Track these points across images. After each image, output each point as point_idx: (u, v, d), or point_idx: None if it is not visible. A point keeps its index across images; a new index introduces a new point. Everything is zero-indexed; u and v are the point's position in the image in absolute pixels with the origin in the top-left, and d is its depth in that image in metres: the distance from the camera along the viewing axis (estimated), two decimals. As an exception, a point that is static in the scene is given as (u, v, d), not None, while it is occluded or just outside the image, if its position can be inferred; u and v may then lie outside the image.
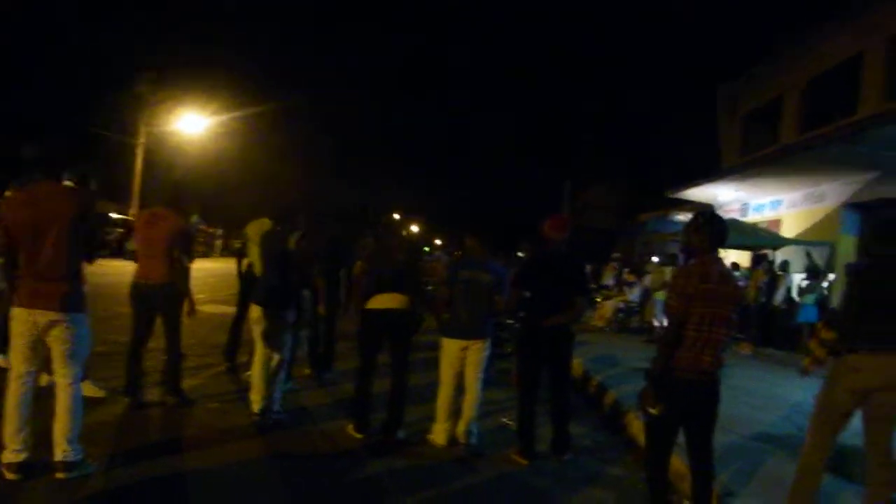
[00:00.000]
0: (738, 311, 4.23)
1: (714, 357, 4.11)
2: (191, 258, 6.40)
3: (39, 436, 4.44)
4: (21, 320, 4.35)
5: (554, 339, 5.85)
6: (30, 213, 4.34)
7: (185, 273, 6.24)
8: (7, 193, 5.40)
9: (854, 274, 4.54)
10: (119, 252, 23.76)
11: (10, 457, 4.29)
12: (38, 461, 4.39)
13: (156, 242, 6.13)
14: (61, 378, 4.44)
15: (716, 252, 4.30)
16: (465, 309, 5.91)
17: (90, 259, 4.70)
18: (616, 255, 19.76)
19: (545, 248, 6.12)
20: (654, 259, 19.38)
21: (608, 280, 17.70)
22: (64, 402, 4.42)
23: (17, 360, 4.41)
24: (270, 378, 6.22)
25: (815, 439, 4.49)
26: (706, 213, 4.58)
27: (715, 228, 4.34)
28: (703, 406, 4.23)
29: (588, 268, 20.51)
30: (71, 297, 4.40)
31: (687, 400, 4.19)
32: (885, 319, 4.23)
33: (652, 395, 4.18)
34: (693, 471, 4.37)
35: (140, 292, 6.22)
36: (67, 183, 5.09)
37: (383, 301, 5.94)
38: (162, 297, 6.18)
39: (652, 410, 4.18)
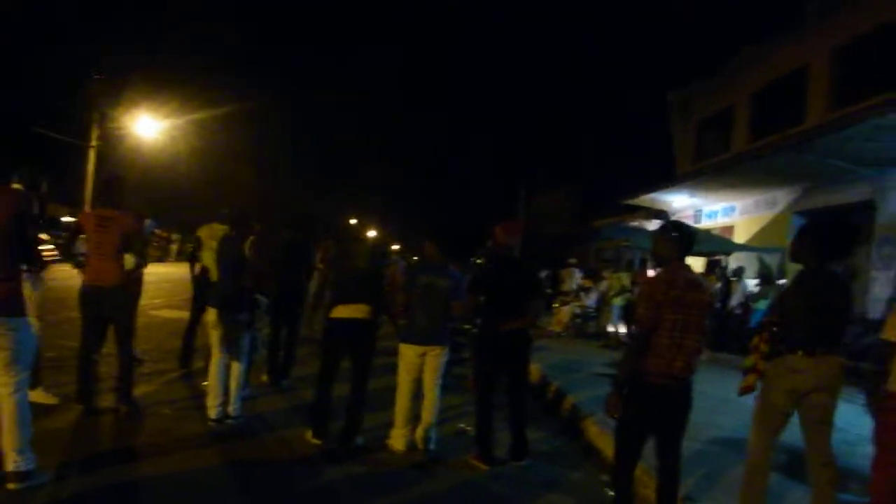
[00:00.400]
0: (709, 317, 4.26)
1: (686, 363, 4.14)
2: (145, 261, 6.31)
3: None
4: None
5: (511, 344, 5.86)
6: None
7: (139, 276, 6.14)
8: None
9: (797, 280, 4.63)
10: (66, 256, 23.31)
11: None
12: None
13: (106, 244, 6.02)
14: (3, 387, 4.26)
15: (683, 260, 4.35)
16: (422, 314, 5.88)
17: (30, 263, 4.59)
18: (572, 259, 19.86)
19: (497, 253, 6.15)
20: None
21: (570, 286, 17.72)
22: (10, 412, 4.26)
23: None
24: (227, 383, 6.18)
25: (757, 440, 4.58)
26: (674, 223, 4.65)
27: (682, 237, 4.38)
28: (675, 412, 4.26)
29: (545, 273, 20.71)
30: (8, 300, 4.24)
31: (658, 405, 4.22)
32: (820, 324, 4.34)
33: (617, 402, 4.20)
34: (660, 476, 4.39)
35: (90, 296, 6.10)
36: (16, 185, 4.99)
37: (347, 311, 5.92)
38: (113, 301, 6.07)
39: (614, 416, 4.22)
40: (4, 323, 4.21)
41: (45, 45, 31.10)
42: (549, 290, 18.55)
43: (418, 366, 5.93)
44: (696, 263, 18.14)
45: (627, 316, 14.24)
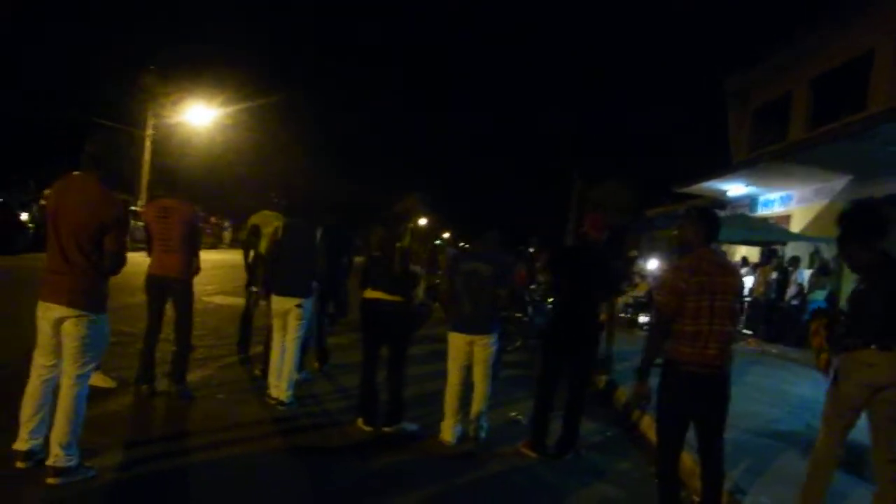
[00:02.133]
0: (741, 301, 4.18)
1: (720, 350, 4.09)
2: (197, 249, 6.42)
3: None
4: (37, 314, 4.31)
5: (579, 337, 5.84)
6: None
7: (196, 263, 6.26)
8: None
9: (868, 272, 4.50)
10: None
11: (18, 444, 4.27)
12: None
13: (170, 235, 6.14)
14: (66, 377, 4.28)
15: (709, 245, 4.30)
16: (468, 302, 5.84)
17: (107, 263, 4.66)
18: (633, 251, 19.68)
19: (585, 242, 6.13)
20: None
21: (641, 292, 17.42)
22: (65, 405, 4.25)
23: (37, 353, 4.37)
24: (286, 366, 6.31)
25: (827, 435, 4.46)
26: (697, 207, 4.61)
27: (707, 222, 4.35)
28: (711, 402, 4.20)
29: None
30: (88, 294, 4.27)
31: (693, 394, 4.16)
32: (891, 317, 4.21)
33: (643, 391, 4.22)
34: (702, 467, 4.36)
35: (154, 285, 6.25)
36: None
37: (374, 292, 5.98)
38: (176, 291, 6.22)
39: (645, 405, 4.19)
40: (82, 315, 4.23)
41: (95, 35, 31.58)
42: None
43: (466, 354, 5.90)
44: (753, 253, 17.87)
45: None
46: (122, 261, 4.40)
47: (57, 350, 4.30)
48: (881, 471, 4.29)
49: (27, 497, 4.02)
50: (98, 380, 5.86)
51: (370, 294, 5.99)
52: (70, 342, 4.24)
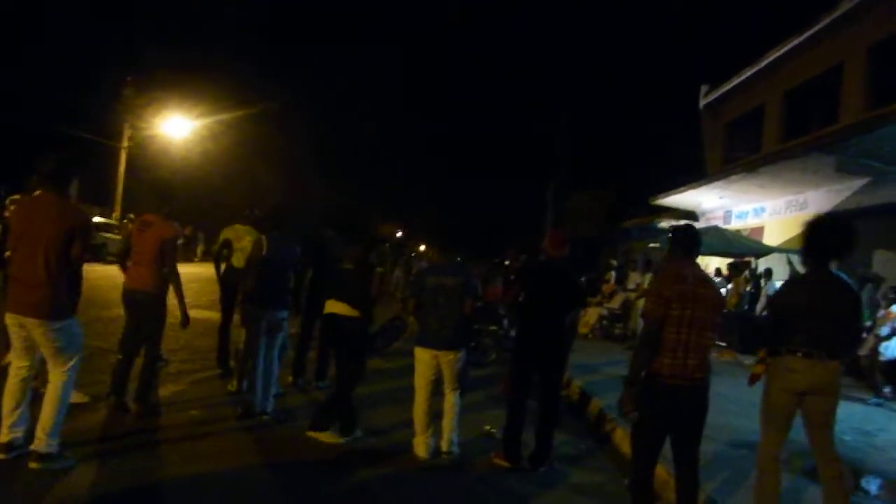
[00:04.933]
0: (720, 314, 4.25)
1: (699, 361, 4.12)
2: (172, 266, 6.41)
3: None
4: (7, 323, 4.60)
5: (549, 349, 5.85)
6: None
7: (176, 280, 6.22)
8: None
9: (791, 281, 4.65)
10: (100, 256, 23.56)
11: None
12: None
13: (144, 250, 6.13)
14: (54, 370, 4.62)
15: (690, 258, 4.37)
16: (433, 317, 5.83)
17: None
18: (613, 261, 19.79)
19: (546, 261, 6.15)
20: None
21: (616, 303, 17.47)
22: (52, 393, 4.59)
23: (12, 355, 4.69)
24: (264, 378, 6.36)
25: (764, 438, 4.61)
26: (680, 224, 4.70)
27: (686, 236, 4.44)
28: (690, 413, 4.23)
29: (583, 278, 20.67)
30: (51, 304, 4.51)
31: (672, 406, 4.18)
32: (819, 327, 4.34)
33: (629, 401, 4.19)
34: (678, 479, 4.38)
35: (128, 297, 6.25)
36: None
37: (335, 304, 6.06)
38: (146, 305, 6.19)
39: (631, 415, 4.18)
40: (45, 324, 4.49)
41: (70, 43, 31.42)
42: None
43: (433, 369, 5.89)
44: (725, 264, 18.00)
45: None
46: (82, 262, 4.79)
47: (30, 352, 4.64)
48: (822, 470, 4.46)
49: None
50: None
51: (330, 307, 6.07)
52: (46, 349, 4.58)
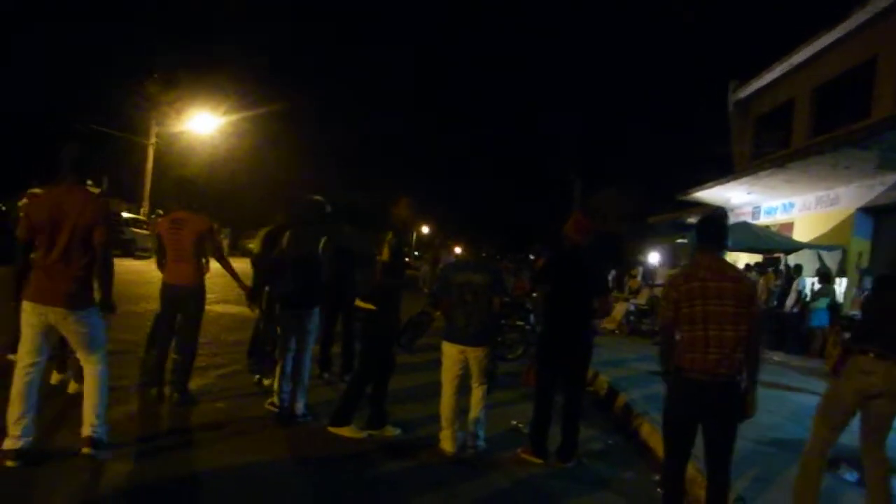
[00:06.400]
0: (745, 306, 4.12)
1: (721, 355, 4.00)
2: (208, 264, 6.57)
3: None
4: (23, 317, 4.60)
5: (572, 342, 5.82)
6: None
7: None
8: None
9: (878, 281, 4.60)
10: (129, 252, 23.80)
11: (9, 443, 4.42)
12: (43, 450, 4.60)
13: (182, 246, 6.30)
14: (86, 364, 4.74)
15: (710, 250, 4.27)
16: (461, 313, 5.82)
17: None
18: (641, 257, 19.72)
19: (566, 249, 6.10)
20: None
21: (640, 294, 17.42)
22: (91, 381, 4.71)
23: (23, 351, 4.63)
24: (294, 377, 6.32)
25: (817, 434, 4.59)
26: (708, 214, 4.66)
27: (712, 227, 4.38)
28: (717, 411, 4.13)
29: (612, 273, 20.60)
30: (76, 296, 4.56)
31: (696, 401, 4.13)
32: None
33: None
34: (708, 477, 4.32)
35: (168, 294, 6.41)
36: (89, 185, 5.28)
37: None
38: (187, 299, 6.37)
39: None
40: (72, 314, 4.53)
41: (100, 41, 31.74)
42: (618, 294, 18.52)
43: (460, 364, 5.86)
44: (755, 260, 17.86)
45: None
46: (111, 251, 4.79)
47: (42, 348, 4.61)
48: (870, 470, 4.46)
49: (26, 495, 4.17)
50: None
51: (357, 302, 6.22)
52: (75, 339, 4.65)
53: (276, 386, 6.28)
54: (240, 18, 47.19)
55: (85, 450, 4.54)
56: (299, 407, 6.23)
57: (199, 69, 35.29)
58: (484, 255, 6.28)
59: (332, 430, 5.89)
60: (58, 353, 5.90)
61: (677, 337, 4.21)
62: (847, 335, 4.77)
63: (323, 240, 6.26)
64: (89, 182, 5.69)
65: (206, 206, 7.10)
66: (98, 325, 4.71)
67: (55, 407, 5.53)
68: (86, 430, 4.58)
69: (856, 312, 13.15)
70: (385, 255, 6.00)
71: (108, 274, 4.68)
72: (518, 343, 10.55)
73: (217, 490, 4.59)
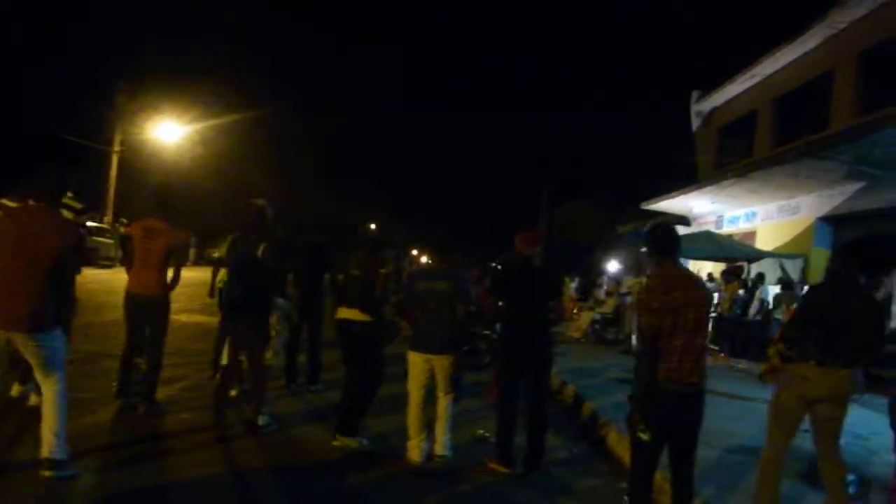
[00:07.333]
0: (707, 313, 4.21)
1: (693, 364, 4.06)
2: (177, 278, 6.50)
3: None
4: None
5: (532, 349, 5.84)
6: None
7: (176, 281, 6.45)
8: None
9: (811, 290, 4.71)
10: (91, 261, 23.46)
11: None
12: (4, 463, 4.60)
13: (150, 255, 6.21)
14: (44, 385, 4.58)
15: (673, 259, 4.30)
16: (425, 321, 5.82)
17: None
18: (607, 267, 19.85)
19: (516, 260, 6.13)
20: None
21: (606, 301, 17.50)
22: (49, 400, 4.55)
23: None
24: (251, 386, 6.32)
25: (770, 442, 4.70)
26: (652, 224, 4.70)
27: (663, 236, 4.34)
28: (687, 420, 4.18)
29: (576, 280, 20.65)
30: (35, 318, 4.45)
31: (670, 413, 4.14)
32: (834, 336, 4.41)
33: (640, 419, 4.10)
34: (673, 485, 4.34)
35: (132, 303, 6.31)
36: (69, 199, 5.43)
37: (347, 310, 6.11)
38: (152, 309, 6.30)
39: (643, 436, 4.07)
40: (32, 338, 4.43)
41: (60, 48, 31.40)
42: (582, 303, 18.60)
43: (426, 373, 5.86)
44: (718, 269, 18.06)
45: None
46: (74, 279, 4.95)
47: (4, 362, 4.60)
48: (826, 474, 4.56)
49: None
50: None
51: (342, 314, 6.11)
52: (35, 360, 4.52)
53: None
54: (207, 24, 46.97)
55: (45, 472, 4.45)
56: (262, 418, 6.18)
57: (165, 76, 35.15)
58: (453, 262, 6.25)
59: (339, 439, 5.94)
60: (20, 365, 5.80)
61: None
62: (782, 345, 4.80)
63: (262, 245, 6.11)
64: (70, 195, 5.69)
65: (180, 216, 7.02)
66: (58, 349, 4.62)
67: (17, 419, 5.42)
68: (44, 452, 4.47)
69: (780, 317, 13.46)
70: (389, 268, 6.07)
71: (69, 301, 4.67)
72: (485, 352, 10.56)
73: (185, 501, 4.55)
